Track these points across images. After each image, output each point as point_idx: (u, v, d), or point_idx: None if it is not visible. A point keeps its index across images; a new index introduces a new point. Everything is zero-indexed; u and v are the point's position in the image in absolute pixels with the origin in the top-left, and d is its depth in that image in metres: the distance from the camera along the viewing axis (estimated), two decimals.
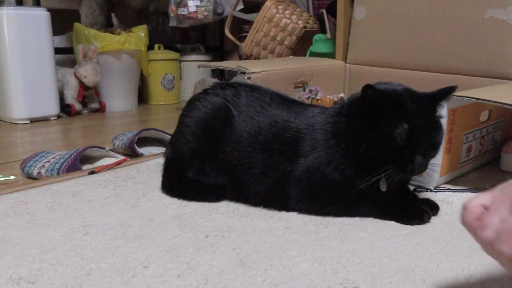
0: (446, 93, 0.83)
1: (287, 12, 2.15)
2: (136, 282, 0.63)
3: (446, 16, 1.43)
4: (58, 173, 1.14)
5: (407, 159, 0.78)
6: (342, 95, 1.53)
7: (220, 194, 0.94)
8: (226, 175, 0.93)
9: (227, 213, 0.88)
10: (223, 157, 0.92)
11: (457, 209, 0.91)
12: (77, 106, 2.13)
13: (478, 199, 0.51)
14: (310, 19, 2.21)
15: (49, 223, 0.83)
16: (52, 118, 2.02)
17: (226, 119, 0.93)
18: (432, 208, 0.88)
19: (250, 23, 2.35)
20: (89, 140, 1.68)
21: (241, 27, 2.58)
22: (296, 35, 2.13)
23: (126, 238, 0.77)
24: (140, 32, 2.24)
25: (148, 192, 1.00)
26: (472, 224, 0.50)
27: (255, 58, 2.22)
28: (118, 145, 1.36)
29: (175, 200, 0.95)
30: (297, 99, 1.07)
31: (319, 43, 2.02)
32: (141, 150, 1.32)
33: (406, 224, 0.83)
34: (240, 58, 2.64)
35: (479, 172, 1.15)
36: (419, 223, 0.83)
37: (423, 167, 0.80)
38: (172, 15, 2.42)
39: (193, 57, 2.65)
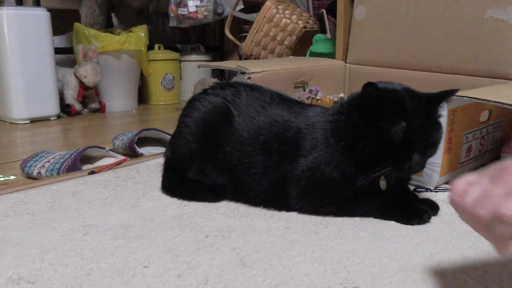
0: (447, 95, 0.83)
1: (287, 12, 2.15)
2: (136, 282, 0.63)
3: (446, 16, 1.43)
4: (58, 173, 1.14)
5: (405, 157, 0.78)
6: (342, 95, 1.53)
7: (220, 194, 0.94)
8: (226, 175, 0.93)
9: (227, 213, 0.88)
10: (223, 157, 0.92)
11: None
12: (77, 106, 2.13)
13: (464, 177, 0.53)
14: (310, 19, 2.21)
15: (49, 223, 0.83)
16: (52, 118, 2.02)
17: (226, 119, 0.93)
18: (432, 208, 0.88)
19: (250, 23, 2.36)
20: (89, 140, 1.68)
21: (241, 27, 2.58)
22: (296, 35, 2.13)
23: (126, 238, 0.77)
24: (140, 32, 2.24)
25: (148, 192, 1.00)
26: (456, 200, 0.51)
27: (255, 58, 2.22)
28: (118, 145, 1.36)
29: (175, 200, 0.95)
30: (297, 99, 1.07)
31: (319, 43, 2.02)
32: (141, 150, 1.32)
33: (406, 224, 0.83)
34: (240, 58, 2.64)
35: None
36: (419, 223, 0.84)
37: (421, 165, 0.80)
38: (172, 15, 2.43)
39: (193, 57, 2.65)
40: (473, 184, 0.51)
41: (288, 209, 0.89)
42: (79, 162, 1.17)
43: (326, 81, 1.67)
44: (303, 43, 2.15)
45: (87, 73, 2.09)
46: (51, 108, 2.02)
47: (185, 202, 0.94)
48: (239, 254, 0.72)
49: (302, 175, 0.86)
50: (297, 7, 2.31)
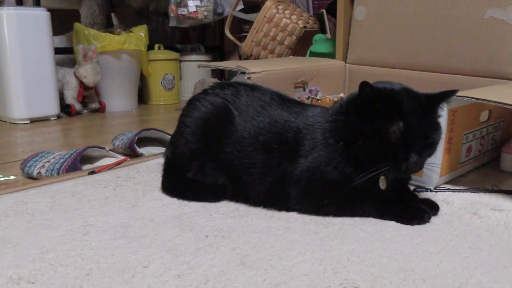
0: (446, 95, 0.83)
1: (287, 12, 2.15)
2: (136, 282, 0.63)
3: (446, 16, 1.43)
4: (58, 173, 1.14)
5: (402, 157, 0.78)
6: (342, 95, 1.53)
7: (220, 194, 0.94)
8: (226, 175, 0.93)
9: (227, 213, 0.88)
10: (223, 157, 0.92)
11: (457, 209, 0.91)
12: (77, 106, 2.13)
13: None
14: (310, 19, 2.21)
15: (49, 223, 0.83)
16: (52, 118, 2.02)
17: (226, 119, 0.93)
18: (432, 208, 0.88)
19: (250, 23, 2.36)
20: (89, 140, 1.68)
21: (241, 27, 2.58)
22: (296, 35, 2.13)
23: (126, 238, 0.77)
24: (140, 32, 2.24)
25: (148, 192, 1.00)
26: None
27: (255, 58, 2.22)
28: (118, 145, 1.36)
29: (175, 200, 0.95)
30: (297, 99, 1.07)
31: (319, 43, 2.02)
32: (141, 150, 1.32)
33: (406, 224, 0.83)
34: (240, 58, 2.64)
35: (479, 172, 1.15)
36: (419, 223, 0.84)
37: (418, 165, 0.80)
38: (172, 15, 2.43)
39: (193, 57, 2.65)
40: None
41: (288, 209, 0.89)
42: (79, 162, 1.17)
43: (326, 81, 1.67)
44: (303, 43, 2.15)
45: (87, 73, 2.09)
46: (51, 108, 2.02)
47: (185, 202, 0.94)
48: (239, 254, 0.72)
49: (302, 175, 0.86)
50: (297, 7, 2.31)
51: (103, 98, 2.26)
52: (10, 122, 1.96)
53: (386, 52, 1.59)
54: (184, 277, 0.65)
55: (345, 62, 1.74)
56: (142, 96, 2.54)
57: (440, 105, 0.83)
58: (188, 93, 2.58)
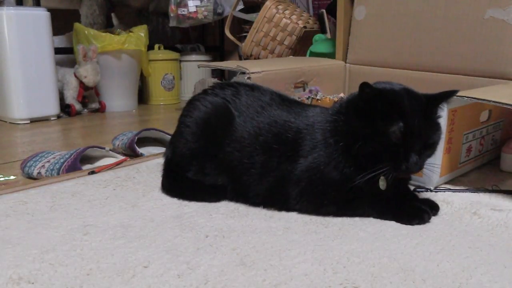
0: (446, 95, 0.83)
1: (287, 12, 2.15)
2: (136, 282, 0.63)
3: (446, 16, 1.43)
4: (58, 173, 1.14)
5: (402, 158, 0.78)
6: (342, 95, 1.53)
7: (220, 194, 0.94)
8: (226, 175, 0.93)
9: (227, 213, 0.88)
10: (223, 157, 0.92)
11: (457, 209, 0.91)
12: (77, 106, 2.13)
13: None
14: (310, 19, 2.21)
15: (49, 223, 0.83)
16: (52, 118, 2.03)
17: (226, 119, 0.93)
18: (432, 208, 0.88)
19: (250, 23, 2.36)
20: (89, 140, 1.68)
21: (241, 27, 2.58)
22: (296, 35, 2.13)
23: (126, 238, 0.77)
24: (140, 32, 2.25)
25: (148, 192, 1.00)
26: None
27: (255, 58, 2.22)
28: (118, 145, 1.36)
29: (175, 200, 0.95)
30: (297, 99, 1.07)
31: (319, 43, 2.02)
32: (141, 150, 1.32)
33: (406, 224, 0.83)
34: (240, 58, 2.64)
35: (479, 172, 1.15)
36: (419, 223, 0.84)
37: (418, 166, 0.80)
38: (172, 15, 2.43)
39: (193, 57, 2.65)
40: None
41: (288, 209, 0.89)
42: (79, 162, 1.17)
43: (326, 81, 1.67)
44: (303, 43, 2.15)
45: (87, 73, 2.09)
46: (51, 108, 2.02)
47: (185, 202, 0.94)
48: (239, 254, 0.72)
49: (302, 175, 0.86)
50: (297, 7, 2.31)
51: (103, 98, 2.26)
52: (10, 122, 1.96)
53: (386, 52, 1.59)
54: (184, 277, 0.65)
55: (345, 62, 1.74)
56: (142, 96, 2.54)
57: (440, 106, 0.83)
58: (188, 93, 2.58)
